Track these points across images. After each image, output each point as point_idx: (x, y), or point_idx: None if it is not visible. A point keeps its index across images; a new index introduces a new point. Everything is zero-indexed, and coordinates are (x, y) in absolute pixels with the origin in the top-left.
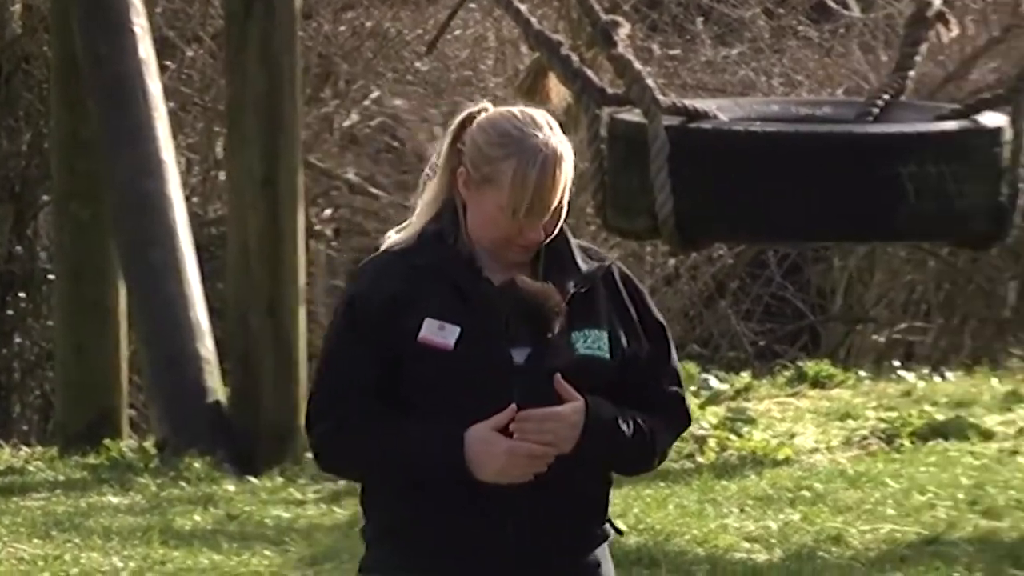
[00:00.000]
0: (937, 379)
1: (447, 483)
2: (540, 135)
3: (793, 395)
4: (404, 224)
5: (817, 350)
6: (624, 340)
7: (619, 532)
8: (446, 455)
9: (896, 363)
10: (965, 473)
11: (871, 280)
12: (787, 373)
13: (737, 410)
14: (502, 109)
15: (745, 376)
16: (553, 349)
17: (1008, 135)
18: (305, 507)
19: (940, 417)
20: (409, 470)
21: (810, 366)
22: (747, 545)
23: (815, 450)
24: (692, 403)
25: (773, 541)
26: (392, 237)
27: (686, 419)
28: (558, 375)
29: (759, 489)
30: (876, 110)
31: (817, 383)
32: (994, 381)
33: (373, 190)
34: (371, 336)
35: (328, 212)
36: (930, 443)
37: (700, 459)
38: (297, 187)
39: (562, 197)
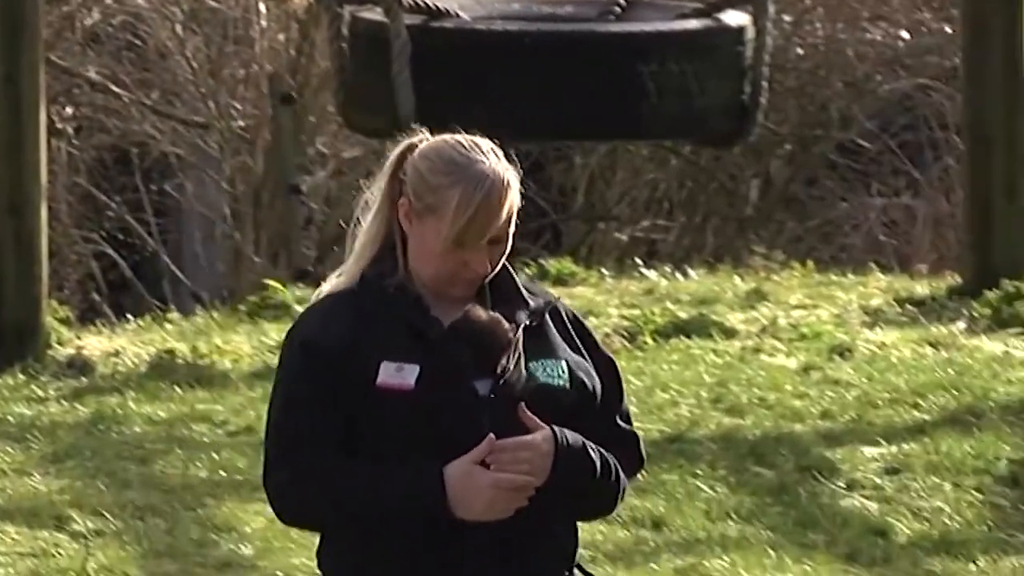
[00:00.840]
0: (679, 277)
1: (409, 535)
2: (486, 161)
3: None
4: (340, 269)
5: (559, 248)
6: (579, 375)
7: None
8: (427, 495)
9: (638, 261)
10: (708, 371)
11: (613, 178)
12: (529, 271)
13: None
14: (446, 137)
15: None
16: (513, 379)
17: (750, 34)
18: (47, 404)
19: (683, 315)
20: (384, 514)
21: (552, 264)
22: None
23: None
24: None
25: None
26: (331, 281)
27: (641, 460)
28: (522, 404)
29: None
30: (618, 9)
31: (559, 281)
32: (736, 279)
33: (115, 88)
34: (326, 382)
35: (70, 110)
36: (673, 341)
37: None
38: (39, 85)
39: (507, 225)
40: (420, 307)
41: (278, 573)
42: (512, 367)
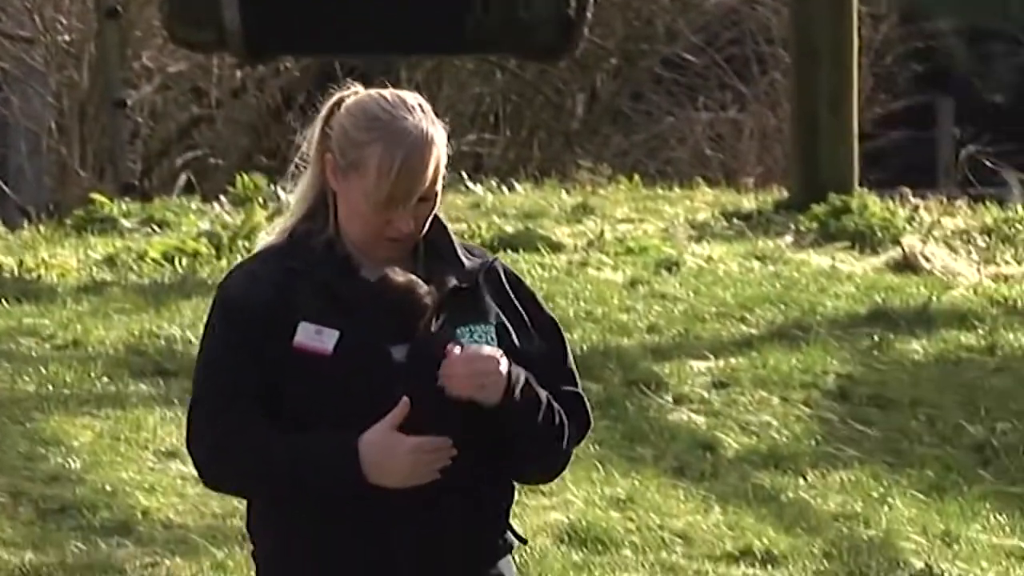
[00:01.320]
0: (506, 191)
1: (334, 500)
2: (410, 118)
3: None
4: (275, 224)
5: None
6: (515, 338)
7: (522, 541)
8: (340, 465)
9: (464, 175)
10: (534, 285)
11: (439, 93)
12: None
13: None
14: (372, 92)
15: None
16: (434, 343)
17: None
18: None
19: (509, 229)
20: (298, 484)
21: None
22: None
23: None
24: (260, 216)
25: None
26: (264, 239)
27: (587, 420)
28: (451, 344)
29: None
30: None
31: None
32: (563, 193)
33: None
34: (249, 344)
35: None
36: (500, 255)
37: None
38: None
39: (433, 184)
40: (347, 267)
41: (106, 486)
42: (432, 331)
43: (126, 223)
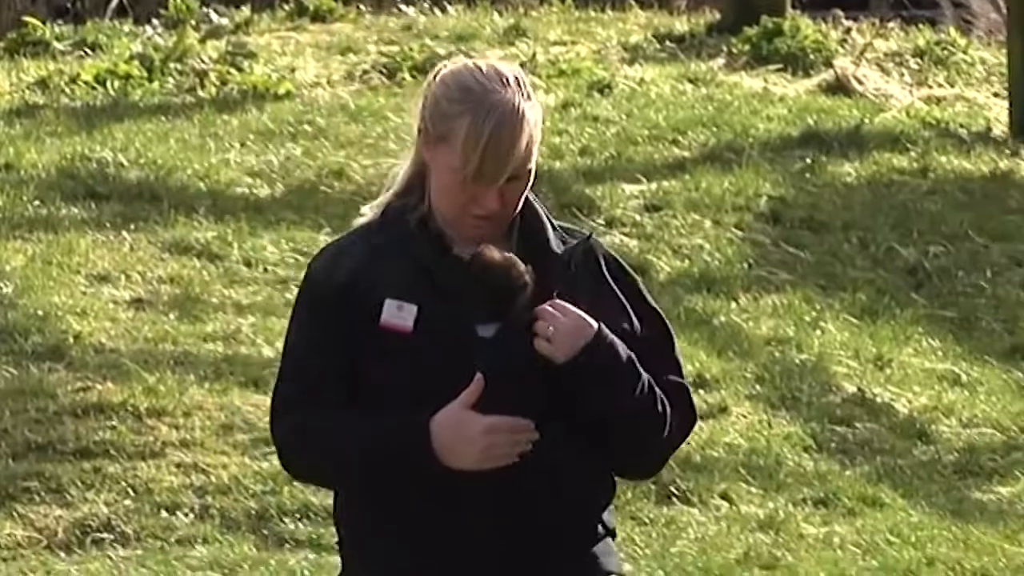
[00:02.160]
0: (438, 13)
1: (416, 486)
2: (503, 92)
3: (294, 29)
4: (376, 200)
5: None
6: (609, 324)
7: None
8: (410, 448)
9: None
10: None
11: None
12: (288, 7)
13: (238, 44)
14: (469, 62)
15: (245, 10)
16: (525, 324)
17: None
18: None
19: (441, 52)
20: (372, 471)
21: (311, 0)
22: (249, 180)
23: (316, 84)
24: (192, 39)
25: (275, 176)
26: (363, 214)
27: (692, 415)
28: (557, 299)
29: (260, 124)
30: None
31: (318, 17)
32: (495, 15)
33: None
34: (330, 325)
35: None
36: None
37: (201, 93)
38: None
39: (524, 162)
40: (440, 244)
41: (38, 311)
42: (523, 312)
43: (58, 46)
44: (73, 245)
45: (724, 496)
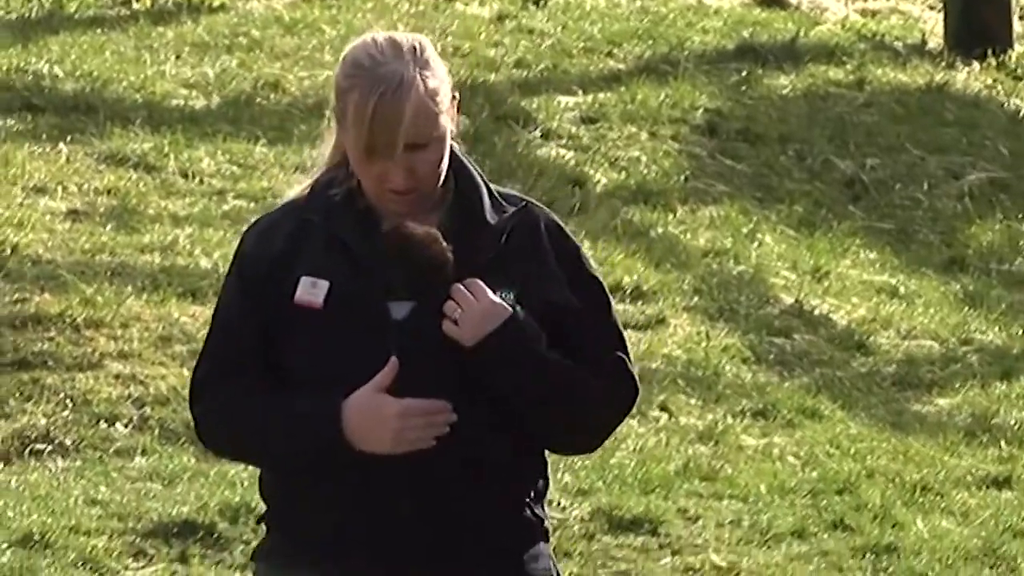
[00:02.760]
0: None
1: (333, 463)
2: (392, 64)
3: None
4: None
5: None
6: (546, 294)
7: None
8: (322, 430)
9: None
10: (401, 20)
11: None
12: None
13: None
14: (372, 35)
15: None
16: (441, 302)
17: None
18: None
19: None
20: (286, 451)
21: None
22: (185, 92)
23: None
24: None
25: (211, 88)
26: (292, 190)
27: (630, 388)
28: (475, 280)
29: (196, 36)
30: None
31: None
32: None
33: None
34: (257, 301)
35: None
36: None
37: (136, 5)
38: None
39: (420, 132)
40: (366, 220)
41: None
42: (439, 290)
43: None
44: (9, 157)
45: (663, 407)
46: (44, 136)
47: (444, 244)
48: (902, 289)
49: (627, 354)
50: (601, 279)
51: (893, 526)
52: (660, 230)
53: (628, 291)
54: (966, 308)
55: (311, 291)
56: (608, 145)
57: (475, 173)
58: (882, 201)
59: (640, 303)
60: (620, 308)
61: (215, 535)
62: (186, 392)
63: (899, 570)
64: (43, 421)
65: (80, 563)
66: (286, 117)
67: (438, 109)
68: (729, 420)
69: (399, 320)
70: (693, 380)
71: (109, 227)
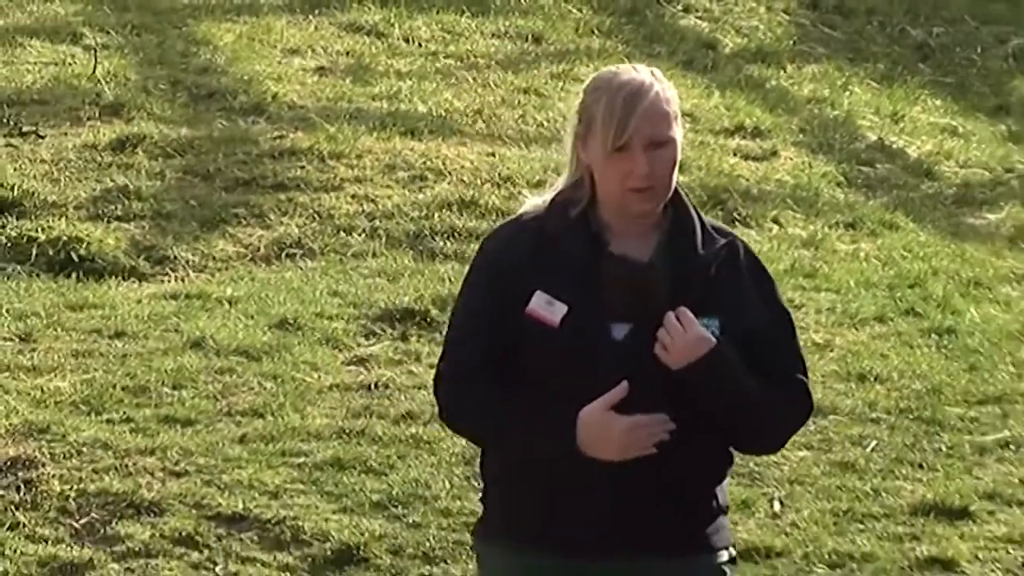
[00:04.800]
0: None
1: (557, 460)
2: (630, 74)
3: None
4: (546, 188)
5: None
6: (741, 324)
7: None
8: (559, 439)
9: None
10: None
11: None
12: None
13: None
14: (613, 66)
15: None
16: (656, 325)
17: None
18: None
19: None
20: (523, 449)
21: None
22: None
23: None
24: None
25: None
26: (529, 200)
27: (807, 405)
28: (683, 308)
29: None
30: None
31: None
32: None
33: None
34: (497, 304)
35: None
36: None
37: None
38: None
39: (662, 128)
40: (596, 240)
41: (244, 76)
42: (654, 314)
43: None
44: (271, 25)
45: (775, 220)
46: (298, 9)
47: (659, 272)
48: (960, 129)
49: (806, 375)
50: (788, 310)
51: (952, 313)
52: (774, 83)
53: (749, 130)
54: (1009, 144)
55: (548, 308)
56: (734, 16)
57: (690, 205)
58: (945, 61)
59: (758, 140)
60: (742, 144)
61: (428, 319)
62: (407, 208)
63: (957, 347)
64: (296, 231)
65: (324, 341)
66: None
67: (673, 112)
68: (826, 230)
69: (618, 340)
70: (798, 199)
71: (348, 80)
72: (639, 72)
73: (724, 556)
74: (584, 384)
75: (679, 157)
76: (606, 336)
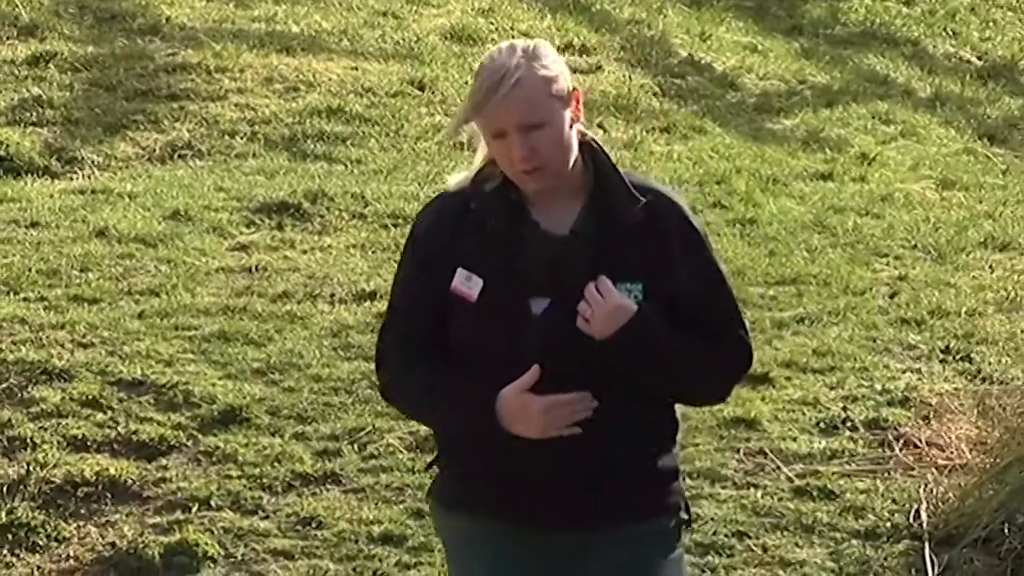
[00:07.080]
0: None
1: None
2: (504, 59)
3: None
4: (471, 164)
5: None
6: (670, 281)
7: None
8: (482, 419)
9: None
10: None
11: None
12: None
13: None
14: (503, 43)
15: None
16: (575, 298)
17: None
18: None
19: None
20: (455, 428)
21: None
22: None
23: None
24: None
25: None
26: (454, 175)
27: (744, 356)
28: (603, 277)
29: None
30: None
31: None
32: None
33: None
34: (431, 280)
35: None
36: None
37: None
38: None
39: (529, 113)
40: (519, 212)
41: (142, 0)
42: (574, 285)
43: None
44: None
45: (600, 126)
46: None
47: (580, 243)
48: (759, 47)
49: (743, 327)
50: (720, 265)
51: (754, 205)
52: (598, 7)
53: (576, 48)
54: (803, 59)
55: (466, 284)
56: None
57: (611, 165)
58: None
59: (584, 56)
60: (571, 59)
61: (301, 211)
62: (282, 115)
63: (758, 235)
64: (186, 135)
65: (211, 230)
66: None
67: (549, 92)
68: (644, 134)
69: (538, 315)
70: (620, 107)
71: (231, 4)
72: (512, 53)
73: (675, 519)
74: (507, 359)
75: (566, 133)
76: (524, 311)
